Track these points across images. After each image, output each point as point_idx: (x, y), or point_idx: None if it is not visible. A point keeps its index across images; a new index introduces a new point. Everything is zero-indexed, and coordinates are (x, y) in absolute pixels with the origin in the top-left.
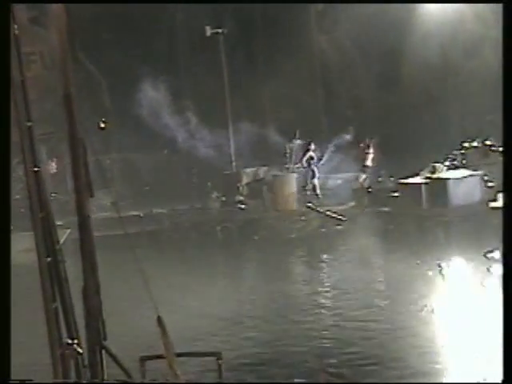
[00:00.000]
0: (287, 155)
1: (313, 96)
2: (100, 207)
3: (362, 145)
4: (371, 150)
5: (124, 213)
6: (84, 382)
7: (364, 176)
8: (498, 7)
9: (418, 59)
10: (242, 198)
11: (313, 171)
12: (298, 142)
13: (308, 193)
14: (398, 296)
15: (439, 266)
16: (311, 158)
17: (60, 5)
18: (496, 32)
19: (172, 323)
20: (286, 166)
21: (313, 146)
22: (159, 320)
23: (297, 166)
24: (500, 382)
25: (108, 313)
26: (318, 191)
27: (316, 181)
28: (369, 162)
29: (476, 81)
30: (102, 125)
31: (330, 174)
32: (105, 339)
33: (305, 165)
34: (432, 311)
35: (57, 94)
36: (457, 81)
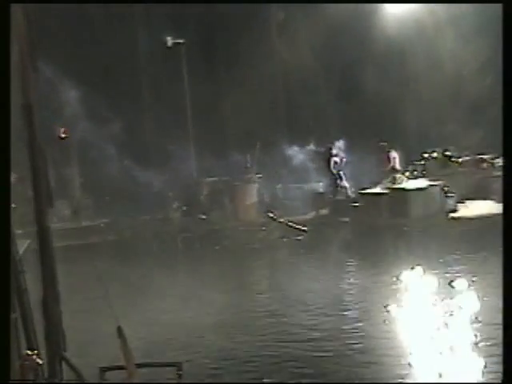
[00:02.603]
0: (248, 165)
1: (274, 106)
2: (60, 217)
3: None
4: (393, 155)
5: (85, 223)
6: (85, 381)
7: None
8: (457, 18)
9: (378, 69)
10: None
11: (339, 175)
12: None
13: (339, 197)
14: (357, 306)
15: (397, 278)
16: (335, 162)
17: (20, 12)
18: (454, 43)
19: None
20: (247, 176)
21: (334, 151)
22: (119, 330)
23: (259, 175)
24: (500, 382)
25: (68, 323)
26: (350, 192)
27: (345, 183)
28: (397, 166)
29: (436, 91)
30: (63, 134)
31: (291, 183)
32: (64, 350)
33: (334, 171)
34: (391, 321)
35: (14, 104)
36: (417, 91)
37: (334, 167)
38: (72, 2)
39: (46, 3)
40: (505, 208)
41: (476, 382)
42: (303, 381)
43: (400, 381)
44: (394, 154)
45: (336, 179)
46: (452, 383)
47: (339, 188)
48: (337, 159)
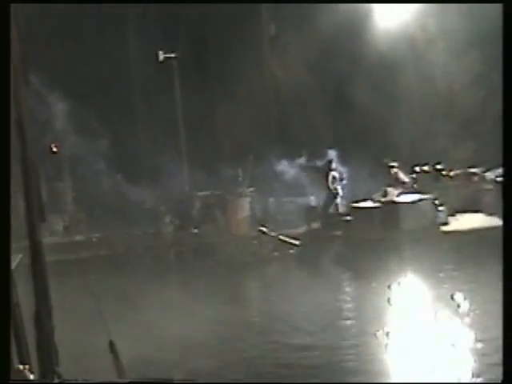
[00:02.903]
0: (240, 179)
1: (266, 120)
2: (53, 231)
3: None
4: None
5: (77, 237)
6: (89, 381)
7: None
8: (449, 33)
9: (370, 83)
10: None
11: (336, 190)
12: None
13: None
14: (350, 319)
15: (389, 287)
16: (334, 177)
17: (12, 23)
18: (446, 57)
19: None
20: (239, 190)
21: (334, 165)
22: (111, 345)
23: (251, 189)
24: (500, 382)
25: (60, 338)
26: (340, 209)
27: (339, 200)
28: (406, 179)
29: (427, 105)
30: (54, 149)
31: (283, 197)
32: (57, 365)
33: (331, 186)
34: (386, 334)
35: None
36: (408, 105)
37: (332, 182)
38: (71, 2)
39: (46, 3)
40: (505, 212)
41: (476, 382)
42: (303, 381)
43: (398, 381)
44: (395, 170)
45: (333, 194)
46: (452, 383)
47: (335, 203)
48: (335, 174)
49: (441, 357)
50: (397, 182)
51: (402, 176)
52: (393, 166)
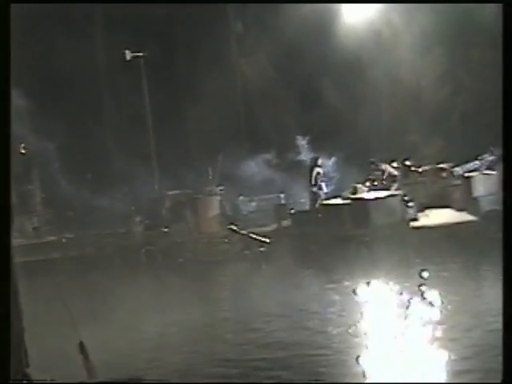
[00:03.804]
0: (210, 178)
1: (235, 118)
2: (22, 233)
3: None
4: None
5: (46, 238)
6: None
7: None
8: (415, 28)
9: (339, 81)
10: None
11: (320, 187)
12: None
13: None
14: (319, 317)
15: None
16: (318, 173)
17: None
18: (413, 53)
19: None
20: (209, 188)
21: (320, 162)
22: (81, 346)
23: (220, 188)
24: (500, 382)
25: (30, 339)
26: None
27: (323, 196)
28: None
29: (395, 101)
30: (23, 150)
31: (253, 195)
32: (27, 366)
33: (313, 182)
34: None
35: None
36: (376, 101)
37: (316, 178)
38: (69, 2)
39: (45, 3)
40: (505, 209)
41: (476, 382)
42: (303, 381)
43: (393, 381)
44: (383, 166)
45: (316, 190)
46: (452, 383)
47: (319, 201)
48: (320, 170)
49: (413, 355)
50: (388, 176)
51: (392, 170)
52: (377, 165)
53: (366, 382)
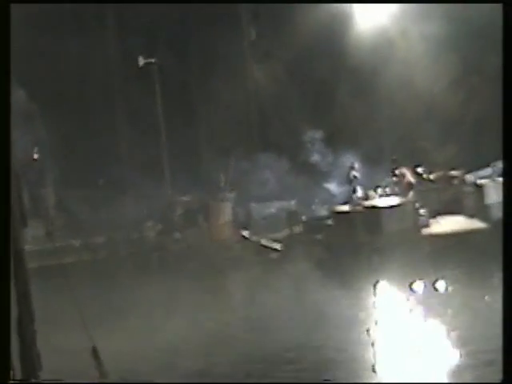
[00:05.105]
0: (222, 184)
1: (248, 124)
2: (35, 237)
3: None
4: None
5: (59, 242)
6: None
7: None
8: (428, 36)
9: (350, 87)
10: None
11: (355, 189)
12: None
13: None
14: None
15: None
16: (355, 177)
17: None
18: (427, 61)
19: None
20: (221, 194)
21: (356, 165)
22: (94, 350)
23: (232, 194)
24: (500, 382)
25: (42, 343)
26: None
27: (355, 197)
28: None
29: (408, 108)
30: (35, 156)
31: (265, 201)
32: (39, 369)
33: (350, 185)
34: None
35: None
36: (389, 108)
37: (351, 181)
38: (69, 2)
39: (45, 3)
40: (505, 212)
41: (476, 382)
42: (302, 381)
43: (394, 381)
44: (404, 170)
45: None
46: (452, 383)
47: (354, 199)
48: (356, 173)
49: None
50: (405, 184)
51: (409, 177)
52: (396, 168)
53: (367, 382)
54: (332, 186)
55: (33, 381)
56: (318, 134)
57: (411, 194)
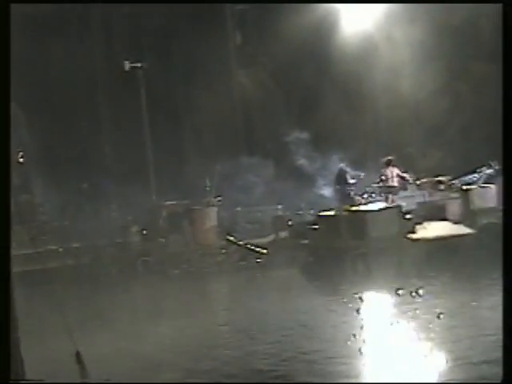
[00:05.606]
0: (207, 189)
1: (233, 130)
2: (19, 242)
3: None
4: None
5: (43, 247)
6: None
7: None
8: (414, 42)
9: (335, 93)
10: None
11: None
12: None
13: None
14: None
15: (360, 298)
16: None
17: None
18: (411, 67)
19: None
20: (207, 199)
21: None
22: (78, 356)
23: (218, 199)
24: (500, 382)
25: (26, 349)
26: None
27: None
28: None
29: (394, 114)
30: (21, 159)
31: (250, 206)
32: (23, 376)
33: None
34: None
35: None
36: (375, 114)
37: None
38: (69, 2)
39: (45, 3)
40: (505, 214)
41: (476, 382)
42: (301, 381)
43: (393, 380)
44: (397, 170)
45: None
46: (452, 383)
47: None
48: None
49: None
50: (399, 179)
51: (395, 180)
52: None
53: (365, 382)
54: (319, 191)
55: (33, 381)
56: (304, 136)
57: (395, 197)
